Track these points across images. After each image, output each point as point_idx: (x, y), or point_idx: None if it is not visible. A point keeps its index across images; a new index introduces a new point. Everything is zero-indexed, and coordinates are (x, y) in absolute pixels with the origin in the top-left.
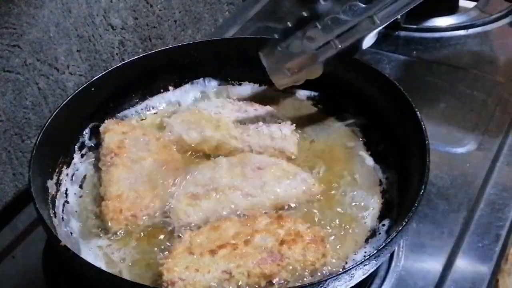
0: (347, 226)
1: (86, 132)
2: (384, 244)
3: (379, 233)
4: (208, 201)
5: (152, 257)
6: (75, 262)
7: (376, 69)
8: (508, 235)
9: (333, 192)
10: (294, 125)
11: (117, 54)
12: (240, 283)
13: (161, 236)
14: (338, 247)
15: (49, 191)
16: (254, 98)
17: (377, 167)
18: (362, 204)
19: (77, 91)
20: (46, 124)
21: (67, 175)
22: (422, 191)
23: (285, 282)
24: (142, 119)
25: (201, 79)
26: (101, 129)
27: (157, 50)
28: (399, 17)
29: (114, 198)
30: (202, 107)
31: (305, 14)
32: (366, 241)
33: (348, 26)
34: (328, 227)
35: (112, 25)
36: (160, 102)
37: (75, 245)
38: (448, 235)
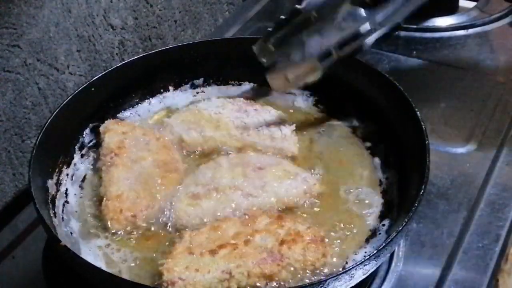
0: (347, 226)
1: (86, 132)
2: (384, 244)
3: (379, 233)
4: (208, 201)
5: (152, 257)
6: (75, 262)
7: (376, 69)
8: (508, 235)
9: (333, 192)
10: (294, 125)
11: (117, 54)
12: (240, 283)
13: (161, 236)
14: (338, 247)
15: (49, 191)
16: (254, 98)
17: (377, 167)
18: (362, 204)
19: (77, 91)
20: (46, 124)
21: (67, 175)
22: (422, 191)
23: (285, 282)
24: (142, 119)
25: (201, 79)
26: (101, 129)
27: (157, 50)
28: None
29: (114, 198)
30: (202, 107)
31: (298, 7)
32: (366, 241)
33: (349, 33)
34: (328, 227)
35: (112, 25)
36: (160, 102)
37: (75, 245)
38: (448, 235)
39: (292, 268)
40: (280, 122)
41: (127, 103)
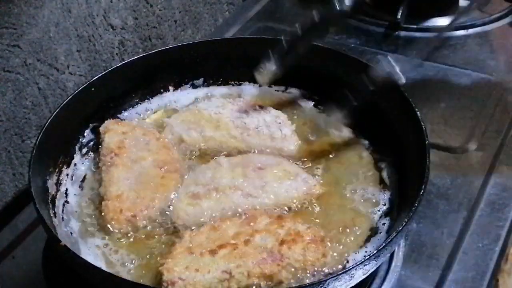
0: (347, 226)
1: (86, 132)
2: (384, 244)
3: (380, 233)
4: (208, 201)
5: (152, 257)
6: (75, 262)
7: (376, 69)
8: (508, 235)
9: (333, 192)
10: (294, 125)
11: (117, 54)
12: (240, 283)
13: (161, 236)
14: (338, 247)
15: (49, 191)
16: (254, 98)
17: (377, 167)
18: (362, 204)
19: (77, 91)
20: (46, 124)
21: (67, 175)
22: (422, 191)
23: (285, 282)
24: (142, 119)
25: (201, 79)
26: (101, 129)
27: (157, 50)
28: (399, 16)
29: (114, 198)
30: (202, 107)
31: (316, 18)
32: (367, 241)
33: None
34: (328, 227)
35: (112, 25)
36: (160, 102)
37: (75, 245)
38: (448, 235)
39: (292, 268)
40: (280, 122)
41: (127, 103)
